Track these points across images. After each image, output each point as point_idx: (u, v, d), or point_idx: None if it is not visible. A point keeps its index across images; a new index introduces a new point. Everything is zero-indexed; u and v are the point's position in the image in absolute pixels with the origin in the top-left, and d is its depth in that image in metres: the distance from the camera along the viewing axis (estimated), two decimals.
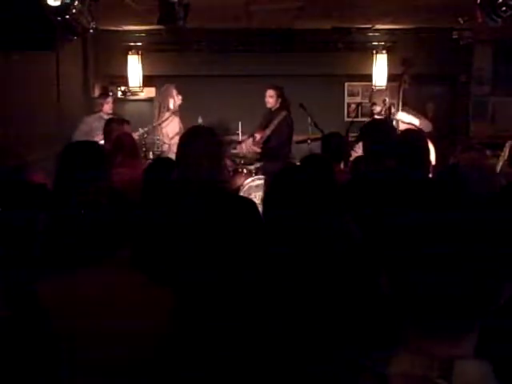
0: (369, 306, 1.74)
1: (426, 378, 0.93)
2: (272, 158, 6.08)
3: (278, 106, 6.35)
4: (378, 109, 6.10)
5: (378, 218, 1.08)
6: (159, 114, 5.92)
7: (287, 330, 1.74)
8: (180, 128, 5.82)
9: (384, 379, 0.95)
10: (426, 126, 5.80)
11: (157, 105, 6.06)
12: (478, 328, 0.97)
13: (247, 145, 6.47)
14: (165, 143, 5.64)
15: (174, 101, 5.92)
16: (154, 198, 2.82)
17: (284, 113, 6.29)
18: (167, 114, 5.84)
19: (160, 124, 5.73)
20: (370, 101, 6.60)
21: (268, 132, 6.33)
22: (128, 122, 4.91)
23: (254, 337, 1.76)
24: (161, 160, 3.86)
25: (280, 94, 6.35)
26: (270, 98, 6.36)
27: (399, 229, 1.01)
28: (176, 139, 5.52)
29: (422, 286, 0.94)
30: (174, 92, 5.98)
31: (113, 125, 4.71)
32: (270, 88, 6.38)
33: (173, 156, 3.01)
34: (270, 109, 6.43)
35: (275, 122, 6.29)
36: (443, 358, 0.94)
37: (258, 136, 6.41)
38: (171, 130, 5.82)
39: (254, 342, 1.76)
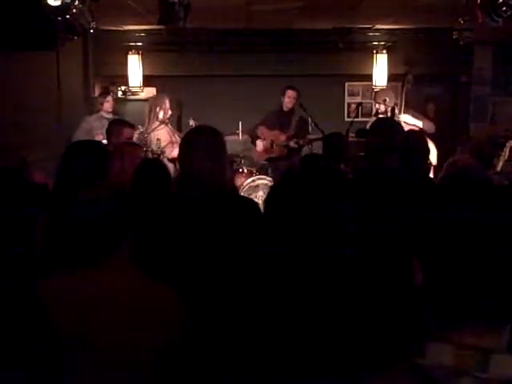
0: (373, 304, 1.74)
1: (462, 370, 0.93)
2: (287, 158, 6.27)
3: (293, 107, 6.47)
4: (382, 108, 6.08)
5: (379, 217, 1.08)
6: (149, 121, 5.78)
7: (286, 327, 1.74)
8: (170, 137, 5.70)
9: (421, 370, 0.95)
10: (429, 128, 5.80)
11: (147, 110, 5.90)
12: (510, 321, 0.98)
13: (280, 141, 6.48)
14: (155, 151, 5.52)
15: (164, 112, 5.72)
16: (143, 197, 2.81)
17: (299, 114, 6.42)
18: (156, 124, 5.69)
19: (149, 133, 5.62)
20: (374, 100, 6.58)
21: (290, 133, 6.44)
22: (131, 125, 4.85)
23: (255, 336, 1.76)
24: (150, 161, 3.85)
25: (299, 96, 6.47)
26: (294, 100, 6.44)
27: (437, 224, 1.01)
28: (167, 147, 5.50)
29: (461, 280, 0.94)
30: (167, 103, 5.75)
31: (113, 126, 4.69)
32: (292, 89, 6.46)
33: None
34: (281, 109, 6.49)
35: (293, 123, 6.41)
36: (480, 350, 0.93)
37: (283, 137, 6.46)
38: (162, 138, 5.69)
39: (255, 341, 1.76)
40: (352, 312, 1.73)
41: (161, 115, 5.67)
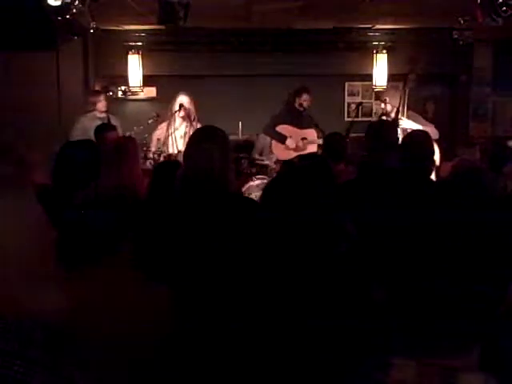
0: (362, 310, 1.74)
1: None
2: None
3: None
4: (388, 108, 6.04)
5: (378, 218, 1.08)
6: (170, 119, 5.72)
7: (283, 329, 1.74)
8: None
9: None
10: (433, 134, 5.73)
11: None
12: (481, 340, 0.97)
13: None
14: (155, 151, 5.47)
15: (178, 107, 5.63)
16: (160, 199, 2.81)
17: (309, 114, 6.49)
18: (179, 121, 5.63)
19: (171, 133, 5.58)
20: (380, 100, 6.54)
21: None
22: (112, 128, 4.80)
23: (253, 336, 1.76)
24: (168, 162, 3.84)
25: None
26: (309, 103, 6.48)
27: (400, 232, 1.01)
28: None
29: (425, 294, 0.93)
30: (178, 99, 5.63)
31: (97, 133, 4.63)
32: (308, 93, 6.46)
33: None
34: (295, 108, 6.52)
35: (313, 122, 6.47)
36: (448, 369, 0.93)
37: (316, 134, 6.48)
38: (162, 138, 5.64)
39: (253, 342, 1.76)
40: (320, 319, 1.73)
41: (177, 110, 5.60)
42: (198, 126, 5.57)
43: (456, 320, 0.93)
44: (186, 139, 5.45)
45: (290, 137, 6.49)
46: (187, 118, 5.63)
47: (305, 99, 6.43)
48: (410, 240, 2.36)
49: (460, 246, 0.91)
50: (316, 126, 6.21)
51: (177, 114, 5.61)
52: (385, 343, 1.02)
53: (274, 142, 6.52)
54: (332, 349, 1.66)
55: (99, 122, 5.97)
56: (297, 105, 6.47)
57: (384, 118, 6.00)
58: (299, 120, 6.48)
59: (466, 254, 0.91)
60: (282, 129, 6.48)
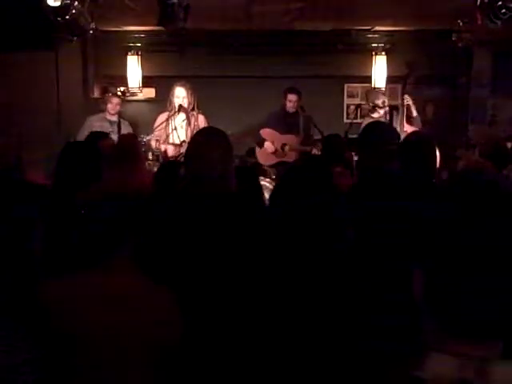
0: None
1: (462, 380, 0.93)
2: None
3: (296, 109, 6.39)
4: (381, 112, 6.04)
5: (379, 221, 1.09)
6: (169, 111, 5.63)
7: (288, 328, 1.75)
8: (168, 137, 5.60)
9: (419, 382, 0.95)
10: (416, 123, 5.80)
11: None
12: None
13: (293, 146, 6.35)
14: (155, 152, 5.42)
15: (173, 100, 5.61)
16: (162, 200, 2.81)
17: (304, 115, 6.32)
18: (171, 113, 5.57)
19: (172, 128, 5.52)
20: (367, 102, 6.54)
21: (301, 136, 6.35)
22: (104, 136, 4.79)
23: (256, 337, 1.76)
24: (171, 163, 3.83)
25: (300, 98, 6.40)
26: (296, 103, 6.36)
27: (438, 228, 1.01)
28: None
29: (457, 289, 0.94)
30: (175, 91, 5.59)
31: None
32: (293, 93, 6.36)
33: None
34: (285, 111, 6.42)
35: (301, 125, 6.30)
36: (478, 358, 0.93)
37: (297, 140, 6.35)
38: (161, 139, 5.59)
39: (256, 343, 1.76)
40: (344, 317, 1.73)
41: (174, 103, 5.52)
42: (199, 116, 5.60)
43: (485, 313, 0.93)
44: (187, 127, 5.51)
45: (273, 142, 6.40)
46: (186, 109, 5.57)
47: (290, 99, 6.34)
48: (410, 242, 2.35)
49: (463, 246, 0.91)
50: (315, 127, 6.18)
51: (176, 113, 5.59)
52: (415, 342, 1.02)
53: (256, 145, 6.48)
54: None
55: (107, 124, 6.04)
56: (286, 107, 6.41)
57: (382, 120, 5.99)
58: (289, 121, 6.40)
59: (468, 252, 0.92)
60: (263, 132, 6.41)
